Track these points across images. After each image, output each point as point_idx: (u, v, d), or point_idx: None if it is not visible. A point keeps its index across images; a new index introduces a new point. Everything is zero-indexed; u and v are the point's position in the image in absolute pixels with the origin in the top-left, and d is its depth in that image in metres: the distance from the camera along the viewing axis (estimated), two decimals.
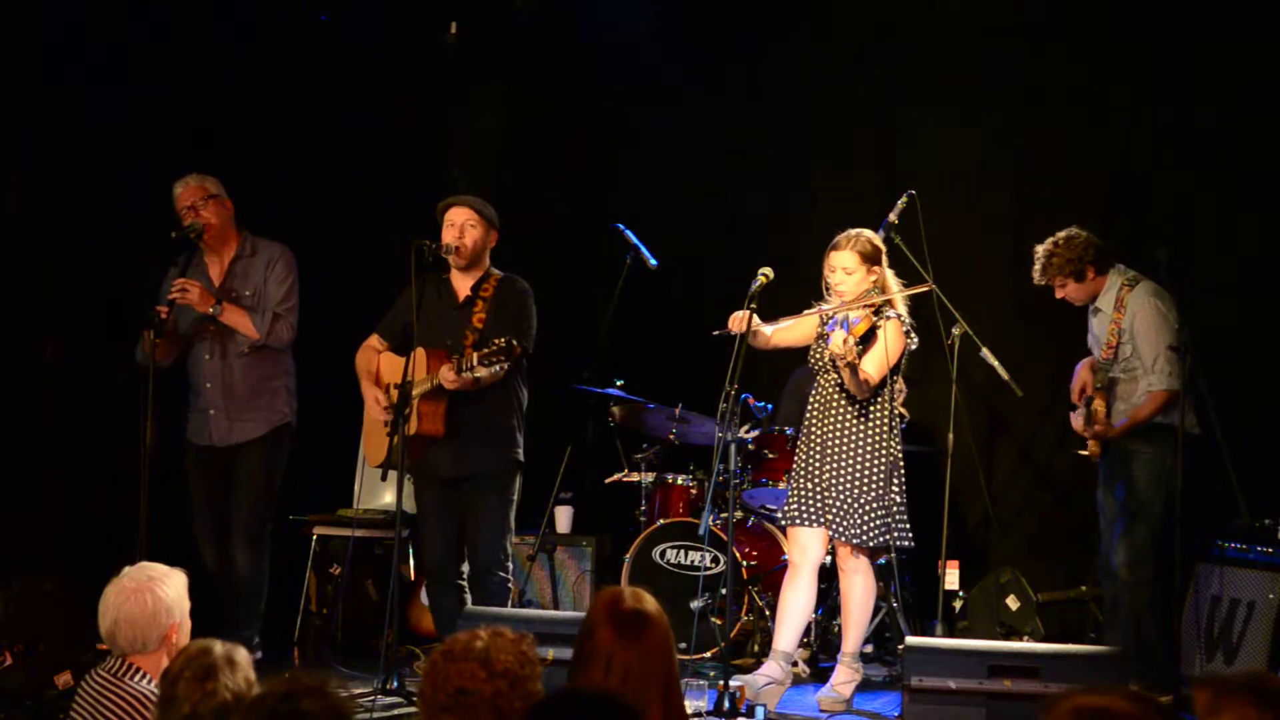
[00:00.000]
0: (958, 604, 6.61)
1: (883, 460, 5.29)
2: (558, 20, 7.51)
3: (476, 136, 7.68)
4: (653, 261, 6.51)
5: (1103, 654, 4.84)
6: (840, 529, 5.26)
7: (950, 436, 6.24)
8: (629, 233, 6.55)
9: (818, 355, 5.41)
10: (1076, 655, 4.75)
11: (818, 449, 5.34)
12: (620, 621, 2.96)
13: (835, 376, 5.32)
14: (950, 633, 6.34)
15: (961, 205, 6.98)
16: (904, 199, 6.06)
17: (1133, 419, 5.47)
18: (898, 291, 5.37)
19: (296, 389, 5.90)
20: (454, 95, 7.63)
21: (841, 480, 5.27)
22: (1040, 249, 5.70)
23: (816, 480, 5.31)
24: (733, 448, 5.27)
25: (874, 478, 5.27)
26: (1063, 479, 6.50)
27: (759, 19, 7.41)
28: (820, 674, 5.78)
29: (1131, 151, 6.77)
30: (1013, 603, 6.37)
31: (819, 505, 5.29)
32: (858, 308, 5.25)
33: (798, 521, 5.33)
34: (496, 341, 5.04)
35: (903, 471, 5.37)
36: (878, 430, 5.32)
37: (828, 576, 5.86)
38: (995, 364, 6.11)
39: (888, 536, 5.27)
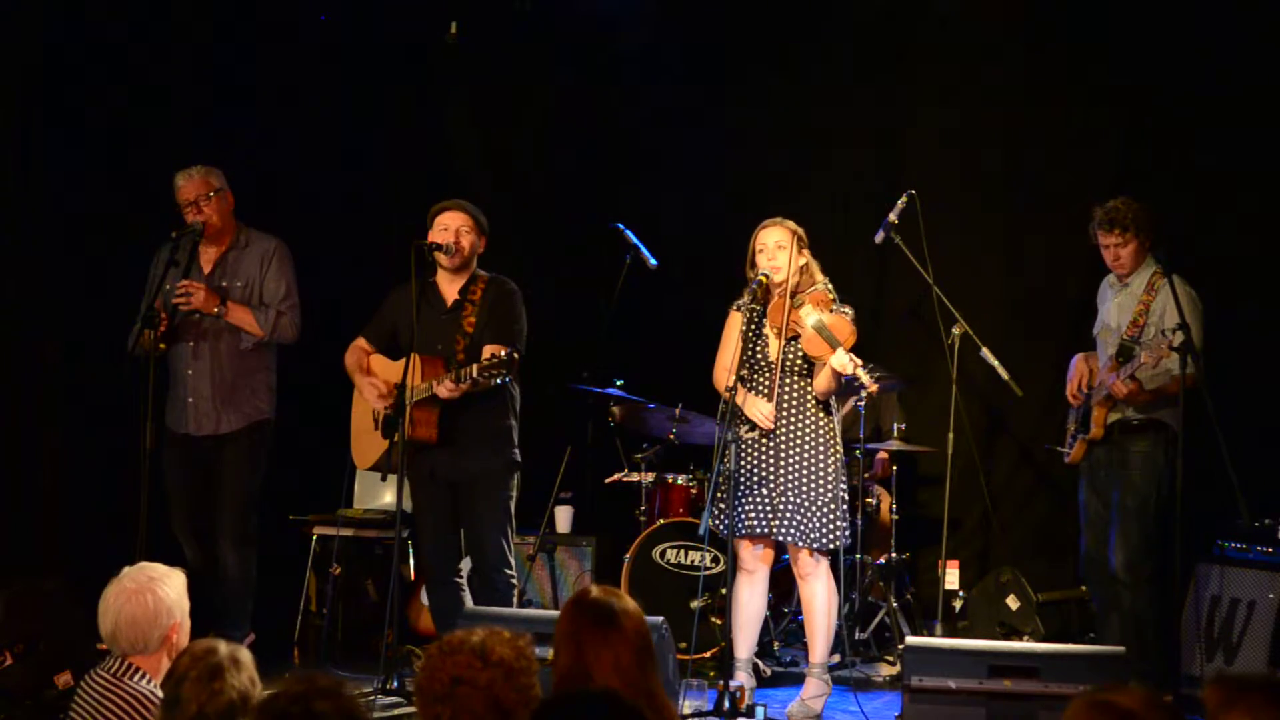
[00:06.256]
0: (958, 604, 6.62)
1: (835, 458, 5.29)
2: (558, 20, 7.51)
3: (476, 136, 7.68)
4: (653, 261, 6.52)
5: (1103, 654, 4.84)
6: (799, 533, 5.21)
7: (950, 436, 6.25)
8: (629, 233, 6.55)
9: (760, 357, 5.32)
10: (1076, 655, 4.74)
11: (771, 452, 5.29)
12: (595, 616, 2.96)
13: (782, 375, 5.29)
14: (950, 633, 6.35)
15: (961, 205, 6.99)
16: (904, 199, 6.08)
17: (1162, 387, 5.44)
18: (823, 285, 5.29)
19: (276, 386, 5.86)
20: (454, 95, 7.63)
21: (798, 481, 5.23)
22: (1115, 202, 5.57)
23: (772, 485, 5.26)
24: (733, 448, 5.27)
25: (827, 476, 5.24)
26: (1063, 479, 6.49)
27: (759, 19, 7.42)
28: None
29: (1132, 151, 6.77)
30: (1013, 603, 6.37)
31: (772, 512, 5.24)
32: (825, 310, 5.21)
33: (758, 531, 5.27)
34: (497, 354, 5.02)
35: (843, 469, 5.35)
36: (829, 429, 5.32)
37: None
38: (995, 364, 6.12)
39: (841, 538, 5.27)
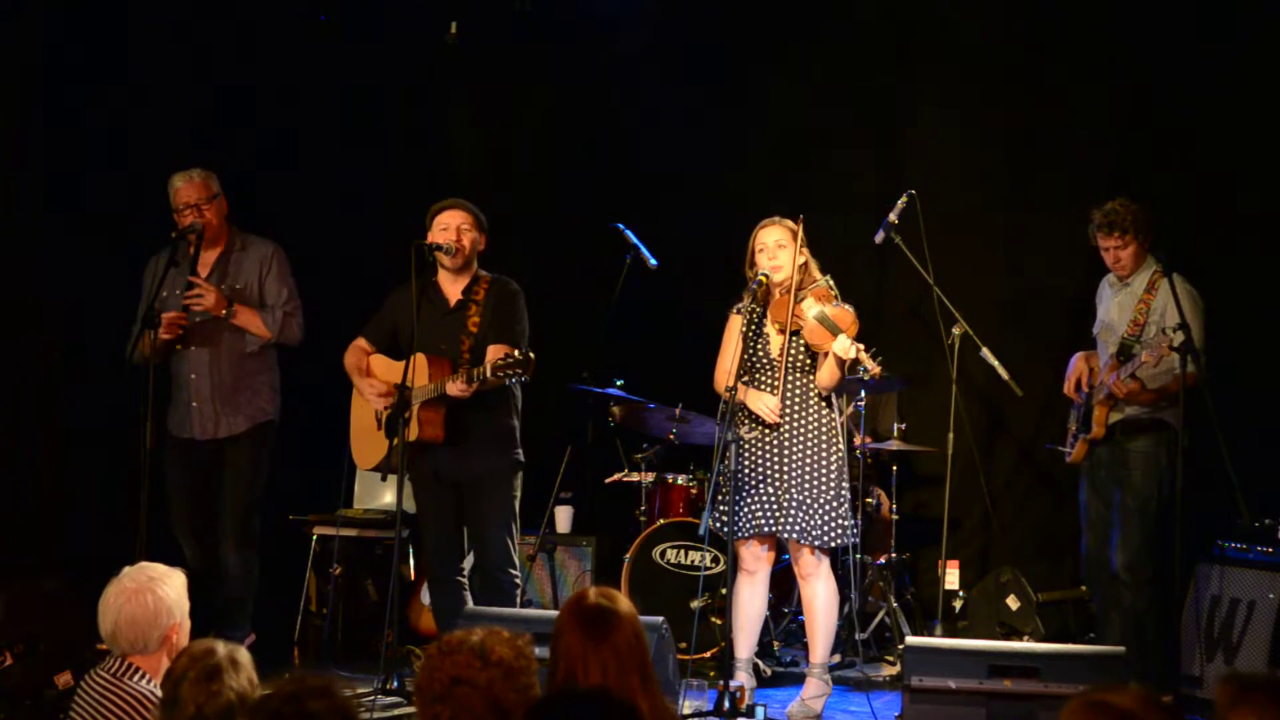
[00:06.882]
0: (958, 604, 6.62)
1: (837, 455, 5.28)
2: (558, 20, 7.51)
3: (476, 136, 7.68)
4: (653, 261, 6.52)
5: (1103, 654, 4.84)
6: (801, 530, 5.21)
7: (950, 436, 6.25)
8: (629, 233, 6.55)
9: (762, 354, 5.33)
10: (1076, 655, 4.74)
11: (775, 449, 5.29)
12: (586, 621, 2.95)
13: (789, 375, 5.30)
14: (950, 633, 6.35)
15: (961, 205, 6.99)
16: (904, 199, 6.08)
17: (1164, 386, 5.46)
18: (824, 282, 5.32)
19: (280, 386, 5.86)
20: (454, 95, 7.63)
21: (801, 478, 5.23)
22: (1114, 204, 5.54)
23: (776, 483, 5.26)
24: (733, 448, 5.27)
25: (830, 472, 5.24)
26: (1063, 479, 6.50)
27: (759, 19, 7.41)
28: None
29: (1131, 152, 6.77)
30: (1013, 603, 6.38)
31: (777, 509, 5.24)
32: (829, 305, 5.22)
33: (765, 530, 5.27)
34: (512, 354, 5.02)
35: (846, 466, 5.35)
36: (831, 424, 5.32)
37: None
38: (995, 364, 6.12)
39: (845, 536, 5.27)
